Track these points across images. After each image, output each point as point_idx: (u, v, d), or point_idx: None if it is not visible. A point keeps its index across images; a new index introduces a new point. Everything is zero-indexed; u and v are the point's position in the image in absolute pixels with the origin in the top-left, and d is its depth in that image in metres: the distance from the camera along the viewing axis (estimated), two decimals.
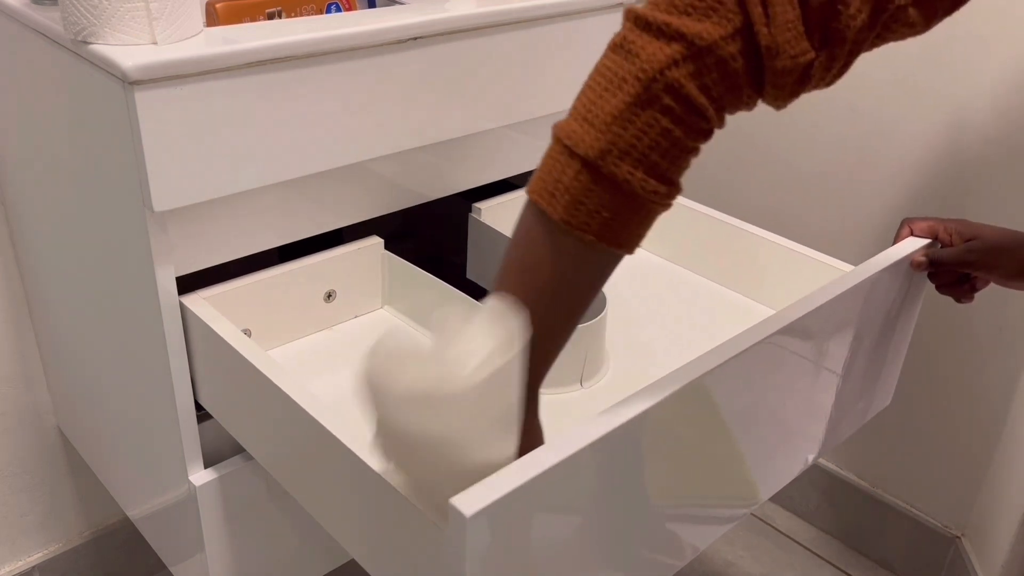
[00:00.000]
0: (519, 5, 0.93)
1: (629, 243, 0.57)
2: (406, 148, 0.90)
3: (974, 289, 0.91)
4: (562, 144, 0.56)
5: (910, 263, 0.88)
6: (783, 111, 1.35)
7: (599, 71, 0.57)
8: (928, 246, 0.89)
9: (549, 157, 0.57)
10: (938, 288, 0.92)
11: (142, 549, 1.36)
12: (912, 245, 0.88)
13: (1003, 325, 1.25)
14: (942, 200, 1.24)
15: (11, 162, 1.01)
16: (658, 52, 0.53)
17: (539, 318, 0.57)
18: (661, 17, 0.53)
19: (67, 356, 1.10)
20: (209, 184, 0.77)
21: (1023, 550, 1.22)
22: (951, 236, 0.88)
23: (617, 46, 0.56)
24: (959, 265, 0.88)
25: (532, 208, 0.57)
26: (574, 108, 0.57)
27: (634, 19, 0.55)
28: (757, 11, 0.51)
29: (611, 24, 1.04)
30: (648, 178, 0.55)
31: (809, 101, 1.34)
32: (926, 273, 0.90)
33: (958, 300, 0.92)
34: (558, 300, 0.58)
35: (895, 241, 0.90)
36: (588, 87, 0.57)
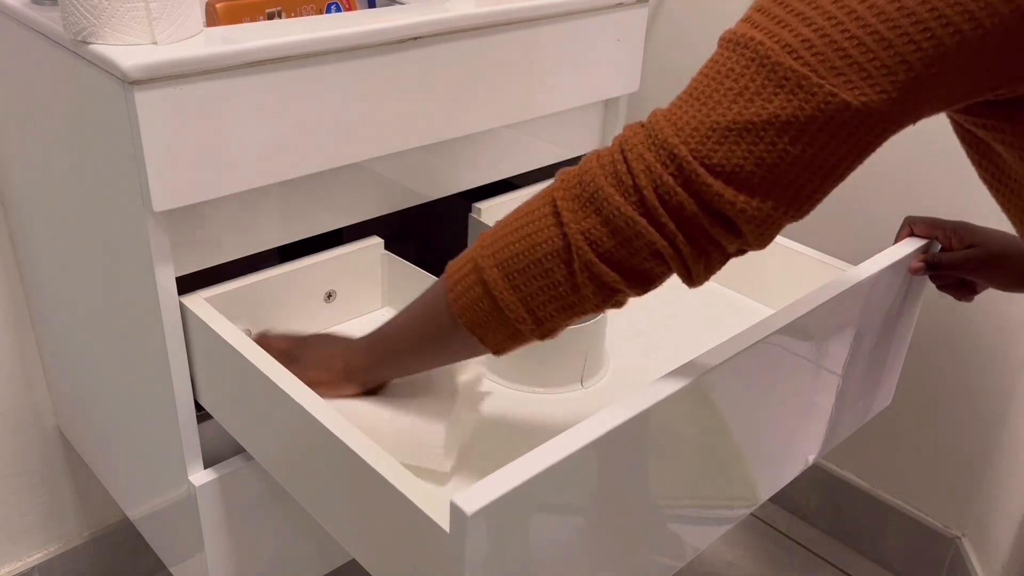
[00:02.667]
0: (519, 5, 0.93)
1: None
2: (406, 148, 0.90)
3: (974, 291, 0.91)
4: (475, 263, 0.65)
5: (908, 268, 0.88)
6: None
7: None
8: (926, 248, 0.89)
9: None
10: (939, 288, 0.92)
11: (142, 549, 1.36)
12: (911, 245, 0.88)
13: (1003, 325, 1.25)
14: (943, 200, 1.24)
15: (11, 162, 1.01)
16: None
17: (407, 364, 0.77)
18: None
19: (67, 356, 1.10)
20: (209, 184, 0.77)
21: (1023, 550, 1.22)
22: (951, 239, 0.88)
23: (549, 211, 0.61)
24: (957, 271, 0.88)
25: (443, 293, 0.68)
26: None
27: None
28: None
29: (611, 24, 1.04)
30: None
31: None
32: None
33: (958, 299, 0.92)
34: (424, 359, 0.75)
35: (896, 240, 0.90)
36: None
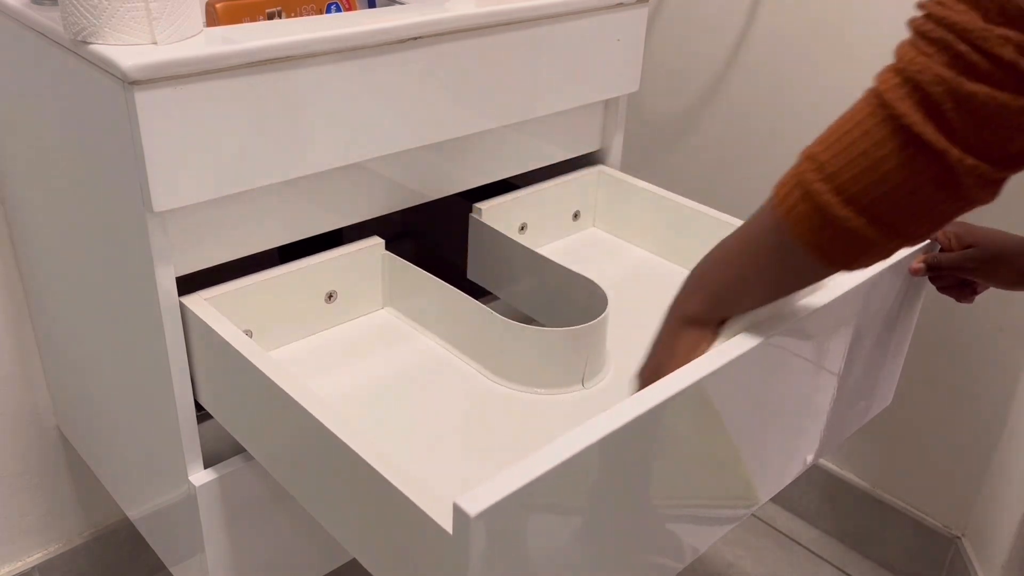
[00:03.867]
0: (519, 5, 0.93)
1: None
2: (406, 148, 0.90)
3: (975, 292, 0.91)
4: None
5: (908, 270, 0.88)
6: (781, 109, 1.35)
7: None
8: (926, 249, 0.89)
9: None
10: (939, 289, 0.92)
11: (142, 549, 1.36)
12: (908, 248, 0.88)
13: (1003, 325, 1.25)
14: None
15: (11, 162, 1.01)
16: None
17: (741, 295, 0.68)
18: None
19: (67, 356, 1.10)
20: (209, 184, 0.77)
21: (1023, 550, 1.22)
22: (950, 239, 0.88)
23: None
24: (957, 272, 0.88)
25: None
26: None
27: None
28: None
29: (611, 24, 1.04)
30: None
31: (809, 99, 1.34)
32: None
33: (959, 300, 0.92)
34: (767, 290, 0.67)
35: None
36: None
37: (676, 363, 0.67)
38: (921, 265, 0.88)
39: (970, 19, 0.50)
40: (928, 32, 0.52)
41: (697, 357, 0.67)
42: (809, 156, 0.58)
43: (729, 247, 0.67)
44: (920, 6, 0.54)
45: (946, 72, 0.51)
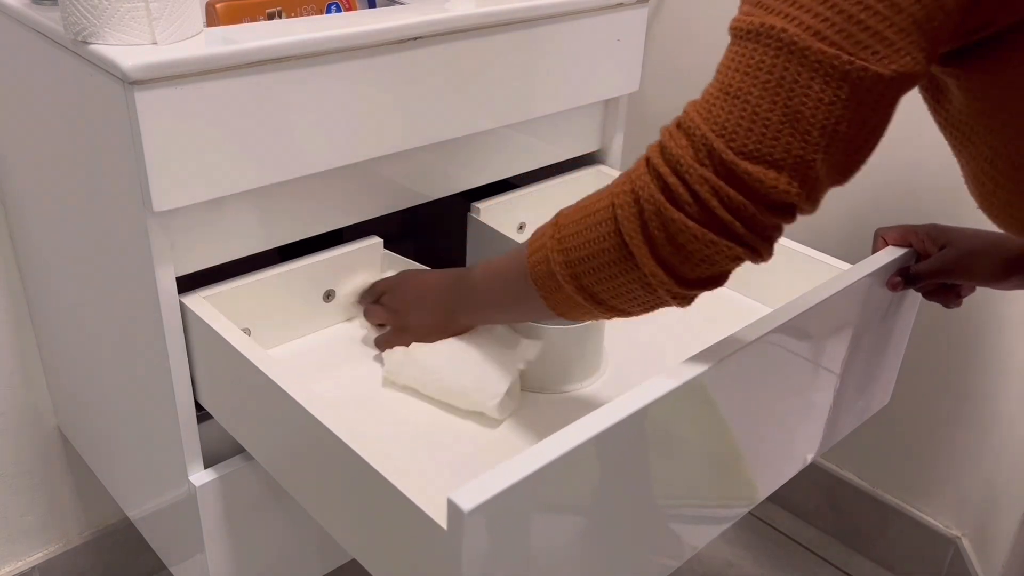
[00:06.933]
0: (519, 5, 0.93)
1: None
2: (406, 148, 0.90)
3: (959, 295, 0.90)
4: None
5: (887, 285, 0.87)
6: None
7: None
8: (906, 256, 0.88)
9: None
10: (924, 296, 0.91)
11: (142, 549, 1.36)
12: (892, 254, 0.87)
13: (1003, 325, 1.25)
14: (942, 199, 1.24)
15: (11, 162, 1.02)
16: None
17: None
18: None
19: (67, 356, 1.10)
20: (209, 184, 0.77)
21: (1023, 550, 1.22)
22: (924, 243, 0.87)
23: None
24: (936, 276, 0.87)
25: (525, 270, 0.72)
26: None
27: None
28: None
29: (611, 24, 1.04)
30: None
31: None
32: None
33: (947, 306, 0.91)
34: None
35: (872, 253, 0.89)
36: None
37: (414, 339, 0.86)
38: (898, 279, 0.87)
39: (684, 154, 0.58)
40: (654, 157, 0.60)
41: (428, 343, 0.85)
42: (558, 224, 0.68)
43: (497, 270, 0.78)
44: (661, 131, 0.61)
45: (658, 195, 0.59)
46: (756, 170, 0.56)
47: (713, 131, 0.57)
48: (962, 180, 0.67)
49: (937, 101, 0.69)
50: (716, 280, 0.63)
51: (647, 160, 0.61)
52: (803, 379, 0.83)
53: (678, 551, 0.78)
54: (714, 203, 0.57)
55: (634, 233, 0.61)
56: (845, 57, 0.53)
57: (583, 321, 0.74)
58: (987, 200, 0.69)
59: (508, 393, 0.82)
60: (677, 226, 0.59)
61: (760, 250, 0.60)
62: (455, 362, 0.84)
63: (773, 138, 0.55)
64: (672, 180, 0.58)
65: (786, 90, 0.55)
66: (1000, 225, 0.71)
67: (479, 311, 0.83)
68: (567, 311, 0.70)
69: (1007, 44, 0.58)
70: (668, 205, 0.59)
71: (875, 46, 0.53)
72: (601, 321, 0.90)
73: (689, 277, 0.62)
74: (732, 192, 0.57)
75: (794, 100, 0.55)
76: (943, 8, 0.54)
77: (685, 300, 0.64)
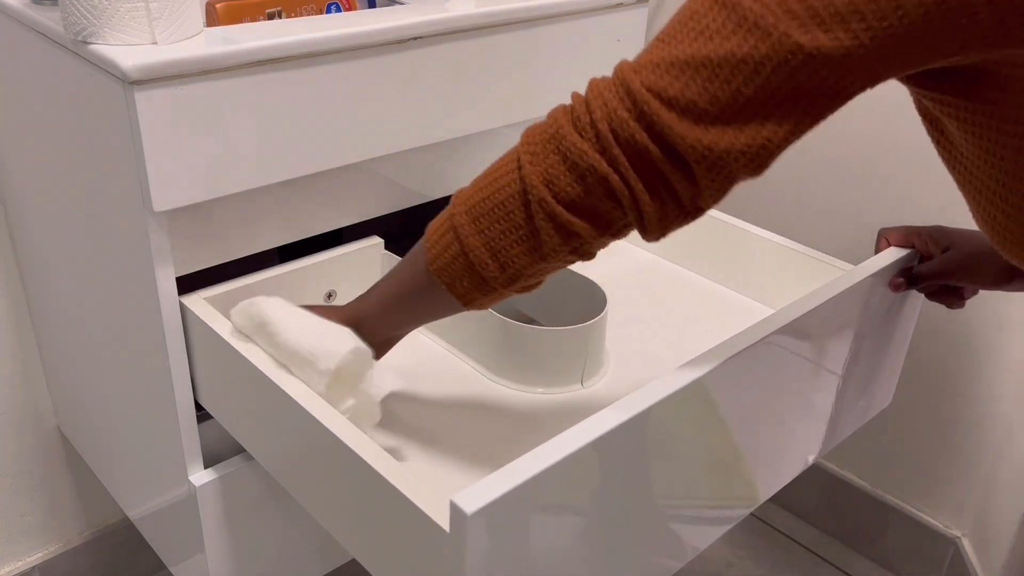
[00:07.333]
0: (519, 5, 0.93)
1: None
2: (406, 148, 0.90)
3: (962, 297, 0.90)
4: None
5: (889, 286, 0.87)
6: None
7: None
8: (909, 257, 0.87)
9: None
10: (927, 297, 0.91)
11: (142, 549, 1.36)
12: (895, 255, 0.87)
13: (1003, 325, 1.25)
14: (942, 200, 1.24)
15: (11, 162, 1.01)
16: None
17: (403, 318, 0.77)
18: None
19: (67, 356, 1.10)
20: (209, 184, 0.77)
21: (1023, 550, 1.22)
22: (927, 244, 0.87)
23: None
24: (939, 278, 0.87)
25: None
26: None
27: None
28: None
29: (611, 24, 1.04)
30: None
31: None
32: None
33: (949, 307, 0.91)
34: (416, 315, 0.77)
35: (875, 254, 0.89)
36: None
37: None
38: (901, 280, 0.87)
39: (604, 89, 0.60)
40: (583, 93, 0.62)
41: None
42: (459, 192, 0.68)
43: (392, 274, 0.75)
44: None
45: (563, 121, 0.61)
46: (661, 110, 0.56)
47: (633, 69, 0.58)
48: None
49: (938, 142, 0.69)
50: (596, 219, 0.61)
51: (572, 96, 0.63)
52: (805, 380, 0.83)
53: (679, 552, 0.78)
54: (609, 137, 0.58)
55: (530, 154, 0.62)
56: (771, 20, 0.53)
57: (472, 299, 0.68)
58: (999, 234, 0.67)
59: (341, 376, 0.73)
60: (568, 143, 0.60)
61: (639, 199, 0.59)
62: (300, 323, 0.76)
63: (684, 84, 0.56)
64: (581, 110, 0.60)
65: (706, 37, 0.55)
66: (1015, 260, 0.69)
67: (381, 316, 0.77)
68: (457, 279, 0.67)
69: (992, 78, 0.57)
70: (570, 129, 0.60)
71: (804, 19, 0.53)
72: (602, 321, 0.90)
73: (567, 197, 0.61)
74: (635, 126, 0.57)
75: (709, 46, 0.55)
76: (908, 26, 0.52)
77: (569, 236, 0.62)
